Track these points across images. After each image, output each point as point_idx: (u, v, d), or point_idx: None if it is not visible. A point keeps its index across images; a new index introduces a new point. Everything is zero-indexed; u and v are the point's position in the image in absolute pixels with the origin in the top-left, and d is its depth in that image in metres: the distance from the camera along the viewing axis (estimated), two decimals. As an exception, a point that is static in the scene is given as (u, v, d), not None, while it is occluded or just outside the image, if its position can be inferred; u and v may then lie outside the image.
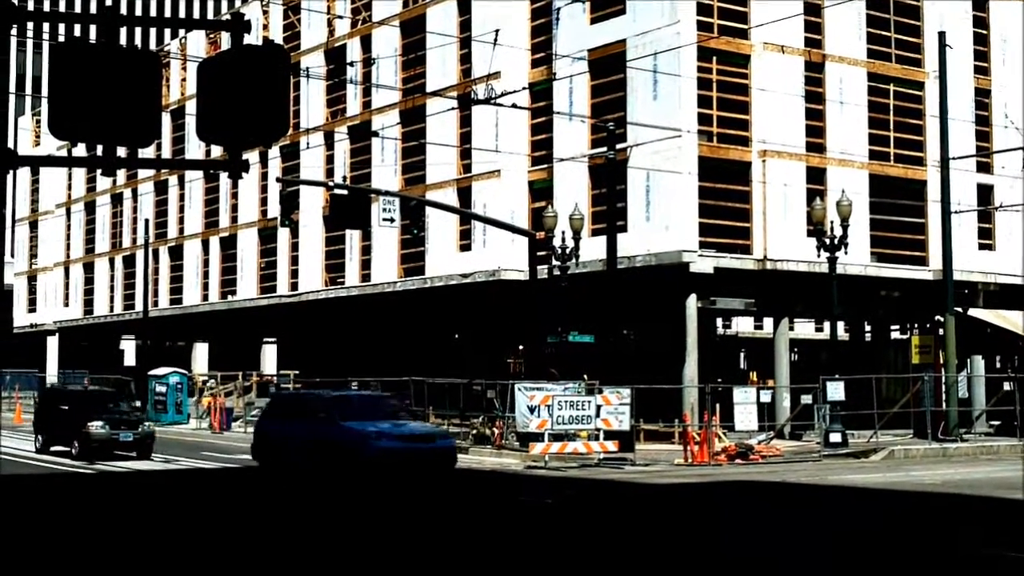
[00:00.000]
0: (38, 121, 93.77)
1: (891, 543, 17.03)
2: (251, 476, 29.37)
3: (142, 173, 79.05)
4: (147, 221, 71.28)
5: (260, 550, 16.98)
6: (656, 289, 43.68)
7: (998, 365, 55.66)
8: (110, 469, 31.80)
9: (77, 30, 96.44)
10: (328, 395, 29.28)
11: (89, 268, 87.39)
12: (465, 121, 51.17)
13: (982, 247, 49.77)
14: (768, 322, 55.52)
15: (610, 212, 38.47)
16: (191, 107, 63.08)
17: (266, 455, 29.47)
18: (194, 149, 68.57)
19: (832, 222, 38.72)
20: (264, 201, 65.84)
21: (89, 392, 44.01)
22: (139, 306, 71.18)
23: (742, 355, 71.51)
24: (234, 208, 69.14)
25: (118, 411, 36.10)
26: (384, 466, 26.08)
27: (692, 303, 42.90)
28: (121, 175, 78.85)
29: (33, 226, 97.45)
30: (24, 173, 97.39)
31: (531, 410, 34.98)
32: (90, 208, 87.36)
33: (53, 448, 35.78)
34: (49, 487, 27.80)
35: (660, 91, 43.13)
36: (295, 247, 62.94)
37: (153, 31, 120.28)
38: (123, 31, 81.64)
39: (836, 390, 36.88)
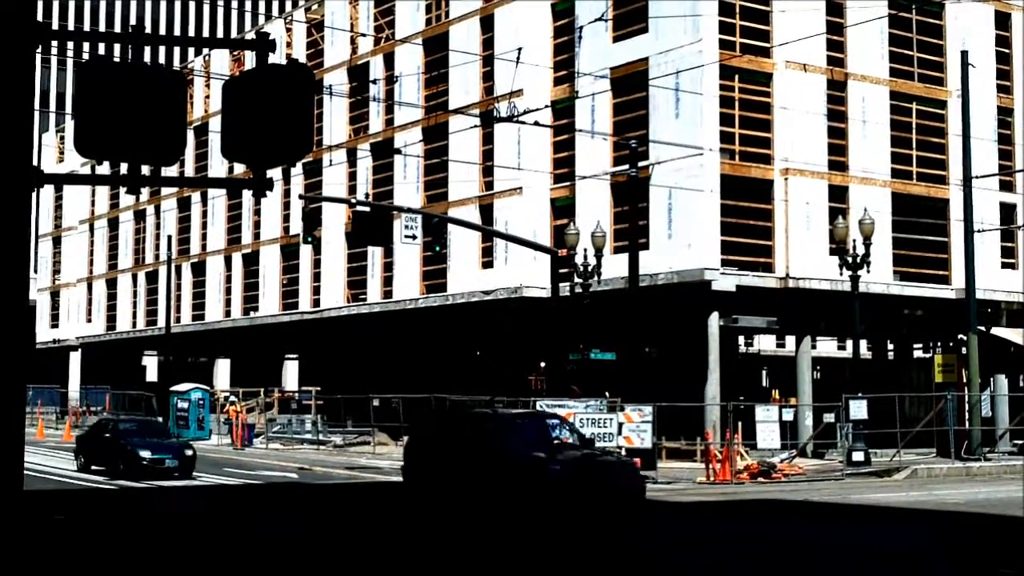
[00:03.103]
0: (62, 138, 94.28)
1: (912, 563, 16.96)
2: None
3: (165, 190, 79.19)
4: (170, 237, 71.53)
5: None
6: (678, 307, 43.66)
7: (1022, 384, 55.36)
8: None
9: (102, 48, 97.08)
10: None
11: (112, 284, 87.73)
12: (487, 138, 51.30)
13: (1005, 266, 49.62)
14: (790, 340, 55.45)
15: (632, 230, 38.48)
16: (215, 124, 63.60)
17: None
18: (217, 165, 68.86)
19: (854, 240, 38.65)
20: (287, 218, 66.04)
21: (508, 417, 28.24)
22: (161, 322, 71.43)
23: (764, 373, 71.32)
24: (256, 225, 69.38)
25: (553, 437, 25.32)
26: None
27: (714, 321, 42.87)
28: (144, 192, 78.98)
29: (56, 242, 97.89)
30: (48, 189, 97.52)
31: (552, 427, 34.91)
32: (113, 224, 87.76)
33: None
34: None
35: (682, 109, 43.17)
36: (317, 264, 63.11)
37: (177, 49, 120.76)
38: (148, 49, 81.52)
39: (859, 408, 36.76)
